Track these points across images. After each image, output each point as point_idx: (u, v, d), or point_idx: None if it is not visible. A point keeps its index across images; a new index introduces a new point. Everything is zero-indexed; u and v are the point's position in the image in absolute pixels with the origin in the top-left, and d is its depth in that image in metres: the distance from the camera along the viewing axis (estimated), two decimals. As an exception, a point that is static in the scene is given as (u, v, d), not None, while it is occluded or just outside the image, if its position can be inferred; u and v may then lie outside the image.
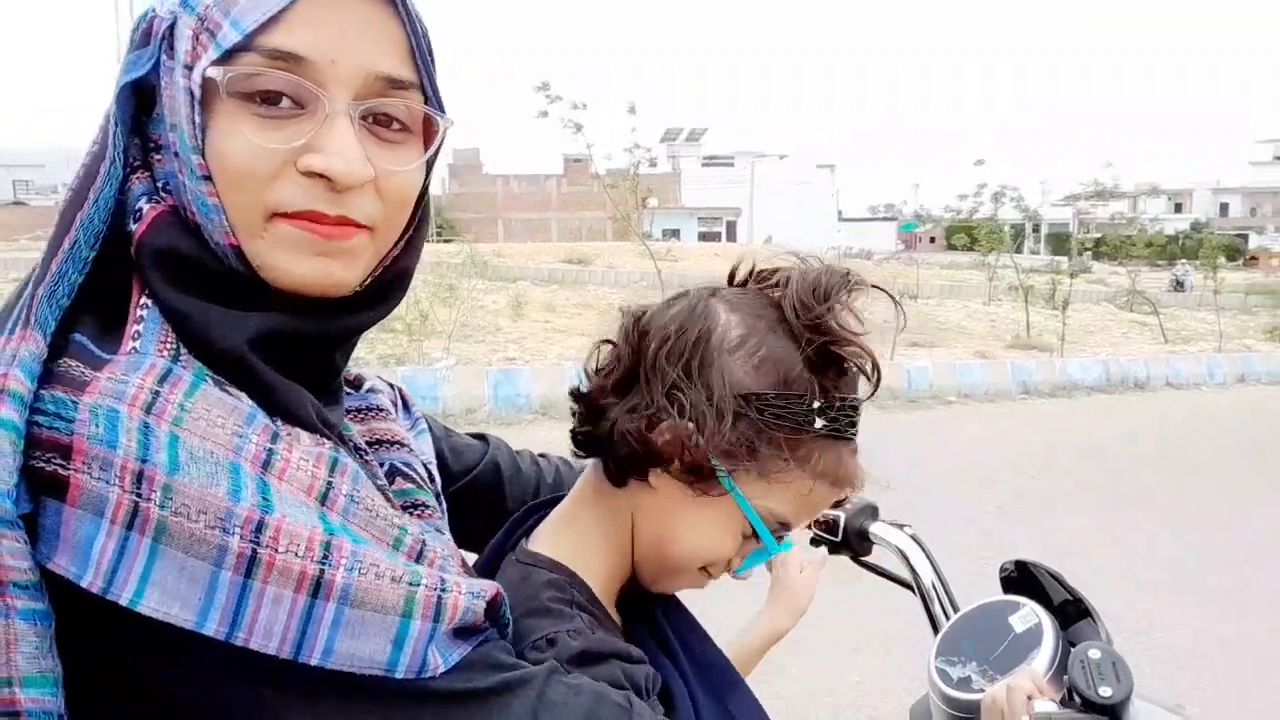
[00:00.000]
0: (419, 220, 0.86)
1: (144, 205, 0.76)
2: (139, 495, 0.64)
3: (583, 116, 13.25)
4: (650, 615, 1.02)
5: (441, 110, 0.82)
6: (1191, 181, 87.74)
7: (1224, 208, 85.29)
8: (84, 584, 0.64)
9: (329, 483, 0.73)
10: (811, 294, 0.92)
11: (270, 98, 0.73)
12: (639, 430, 0.88)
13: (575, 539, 0.97)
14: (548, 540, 0.98)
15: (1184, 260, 27.35)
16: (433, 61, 0.81)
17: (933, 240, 63.02)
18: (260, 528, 0.67)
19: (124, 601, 0.64)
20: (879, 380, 0.97)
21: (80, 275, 0.72)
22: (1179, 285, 26.97)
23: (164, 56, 0.75)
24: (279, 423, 0.74)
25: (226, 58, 0.72)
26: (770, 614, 1.39)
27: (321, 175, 0.74)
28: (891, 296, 1.04)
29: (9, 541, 0.62)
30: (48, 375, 0.67)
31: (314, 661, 0.67)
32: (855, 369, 0.94)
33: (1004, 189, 24.36)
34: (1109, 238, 27.72)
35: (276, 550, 0.67)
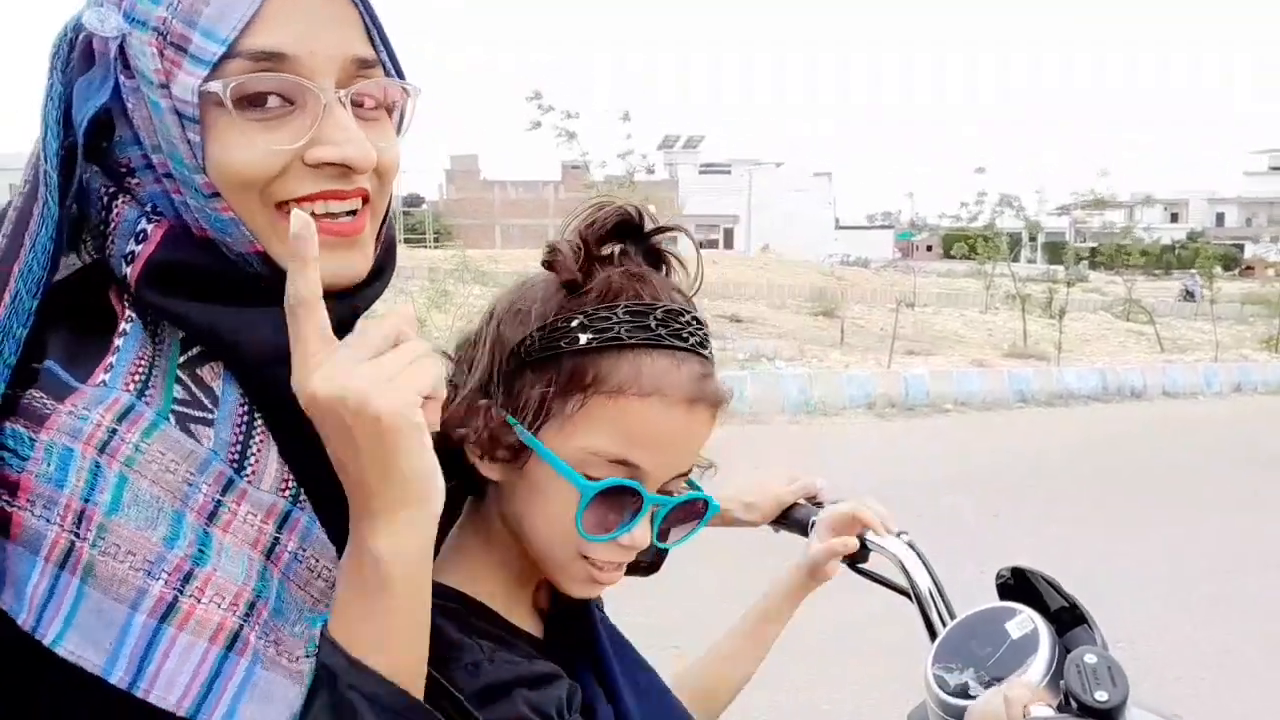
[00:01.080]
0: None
1: (146, 226, 0.75)
2: (76, 535, 0.64)
3: (576, 125, 13.18)
4: (583, 618, 1.00)
5: (403, 78, 0.83)
6: (1187, 191, 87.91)
7: (1220, 217, 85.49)
8: (19, 621, 0.64)
9: (275, 538, 0.72)
10: (581, 228, 0.91)
11: (257, 100, 0.73)
12: (449, 423, 0.84)
13: (461, 561, 0.94)
14: (438, 572, 0.91)
15: (1194, 270, 27.34)
16: (385, 35, 0.82)
17: (929, 249, 63.17)
18: (189, 578, 0.66)
19: (47, 642, 0.64)
20: (697, 276, 0.98)
21: (25, 328, 0.70)
22: (1189, 295, 26.95)
23: (122, 78, 0.73)
24: (238, 469, 0.72)
25: (215, 69, 0.71)
26: (793, 573, 1.41)
27: (330, 164, 0.74)
28: (690, 236, 0.99)
29: None
30: (12, 405, 0.67)
31: None
32: (632, 278, 0.90)
33: (1006, 198, 24.39)
34: (1104, 247, 27.75)
35: (199, 600, 0.66)
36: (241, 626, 0.67)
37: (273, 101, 0.73)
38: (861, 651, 4.40)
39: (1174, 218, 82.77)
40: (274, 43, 0.72)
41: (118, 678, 0.64)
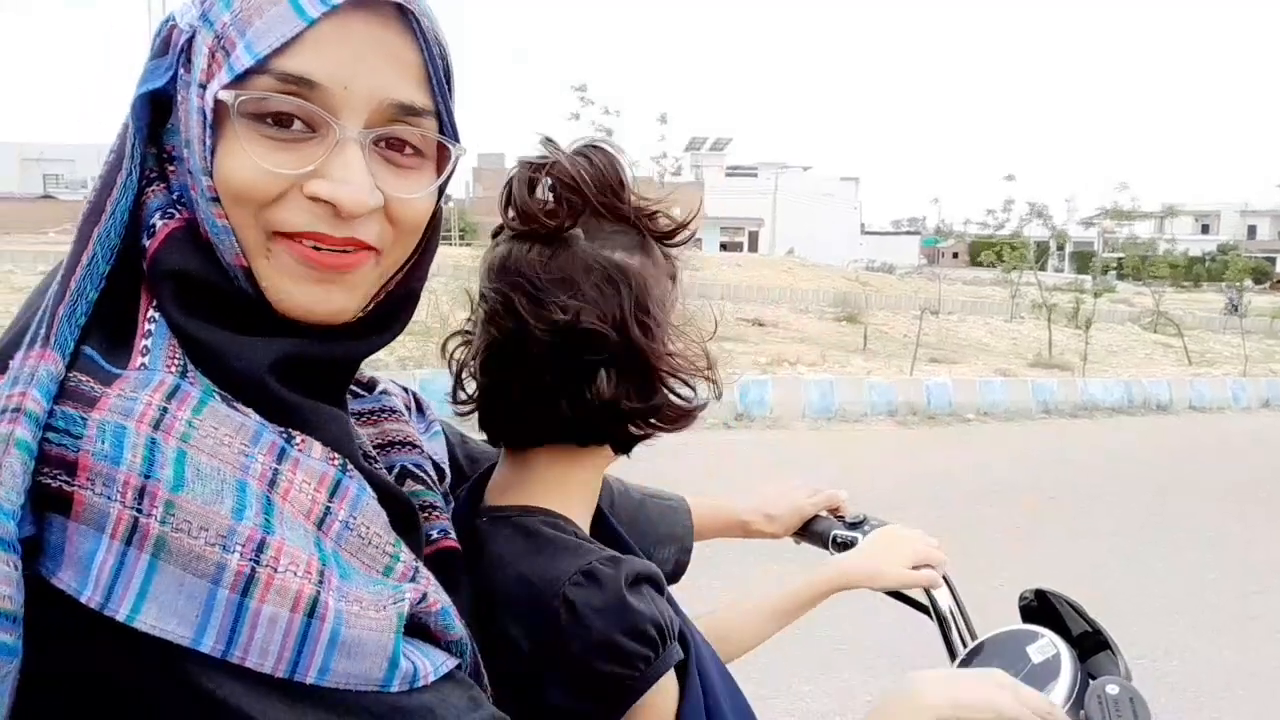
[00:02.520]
0: (427, 243, 0.85)
1: (157, 221, 0.76)
2: (139, 511, 0.64)
3: (614, 123, 13.20)
4: None
5: (455, 138, 0.82)
6: (1219, 203, 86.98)
7: (1252, 230, 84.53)
8: (83, 599, 0.63)
9: (327, 507, 0.73)
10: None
11: (282, 120, 0.73)
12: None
13: (549, 491, 0.99)
14: (551, 499, 1.00)
15: (1238, 284, 26.98)
16: (450, 86, 0.81)
17: (955, 256, 62.78)
18: (261, 547, 0.67)
19: (120, 617, 0.63)
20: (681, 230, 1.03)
21: (96, 292, 0.73)
22: (1234, 308, 26.58)
23: (181, 70, 0.75)
24: (287, 439, 0.74)
25: (239, 80, 0.72)
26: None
27: (327, 201, 0.74)
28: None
29: (1, 565, 0.62)
30: (61, 390, 0.68)
31: (309, 680, 0.68)
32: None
33: (1035, 206, 24.22)
34: (1130, 258, 27.49)
35: (275, 570, 0.67)
36: (318, 593, 0.69)
37: (297, 125, 0.74)
38: (878, 665, 4.38)
39: (1205, 229, 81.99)
40: (304, 68, 0.72)
41: (209, 647, 0.65)
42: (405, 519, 0.83)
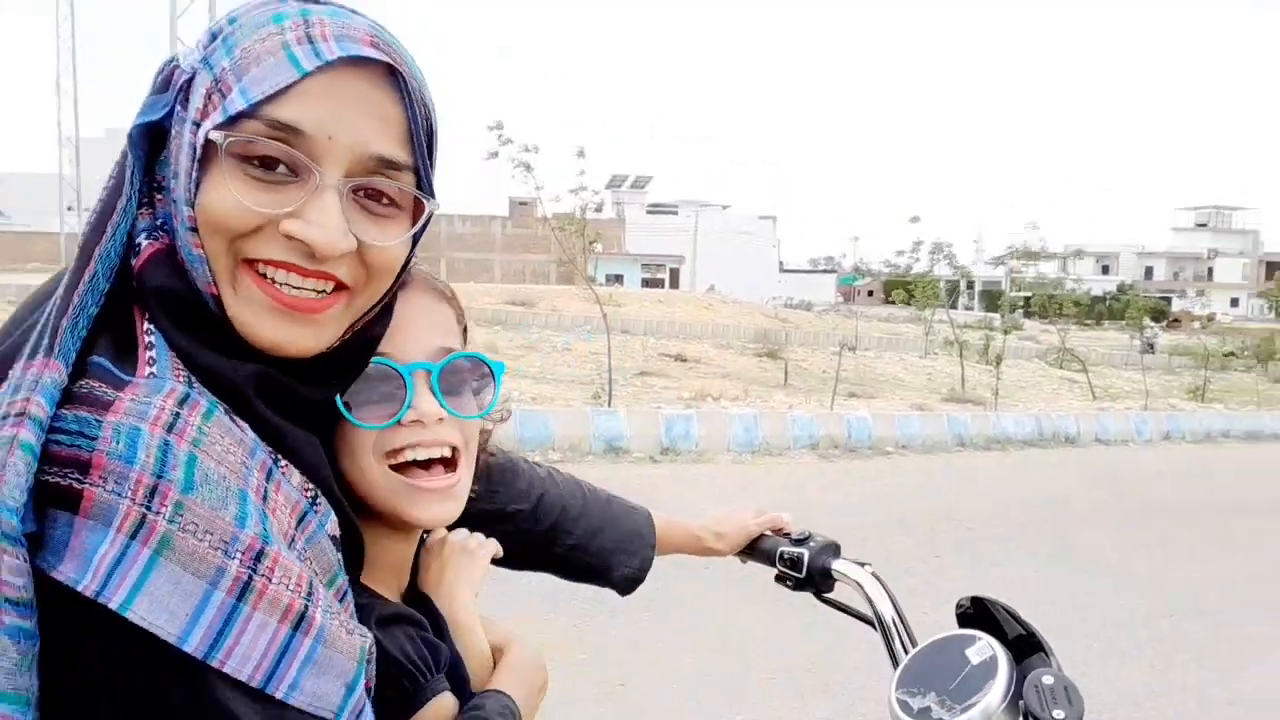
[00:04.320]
0: (392, 290, 0.90)
1: (143, 241, 0.80)
2: (148, 508, 0.67)
3: (532, 159, 13.20)
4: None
5: (431, 194, 0.86)
6: (1118, 245, 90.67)
7: (1149, 270, 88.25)
8: (80, 588, 0.66)
9: (293, 536, 0.77)
10: None
11: (267, 162, 0.77)
12: None
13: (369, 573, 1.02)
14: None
15: (1153, 324, 28.12)
16: (431, 145, 0.85)
17: (870, 294, 64.20)
18: (260, 556, 0.71)
19: (114, 605, 0.66)
20: None
21: (96, 307, 0.76)
22: (1150, 347, 27.59)
23: (178, 107, 0.79)
24: (274, 460, 0.78)
25: (230, 122, 0.76)
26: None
27: (301, 240, 0.78)
28: None
29: (9, 558, 0.65)
30: (69, 396, 0.70)
31: (279, 694, 0.71)
32: None
33: (939, 246, 24.99)
34: (1037, 296, 28.50)
35: (270, 580, 0.71)
36: (307, 607, 0.73)
37: (281, 169, 0.77)
38: (819, 687, 4.44)
39: (1105, 269, 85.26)
40: (292, 117, 0.76)
41: (192, 647, 0.68)
42: (357, 551, 0.89)
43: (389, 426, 0.94)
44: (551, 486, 1.40)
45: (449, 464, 0.99)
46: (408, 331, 0.96)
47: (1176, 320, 54.21)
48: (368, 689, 0.79)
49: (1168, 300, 66.90)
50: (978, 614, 1.32)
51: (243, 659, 0.69)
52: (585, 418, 11.03)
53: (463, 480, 1.00)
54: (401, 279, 0.90)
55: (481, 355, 1.02)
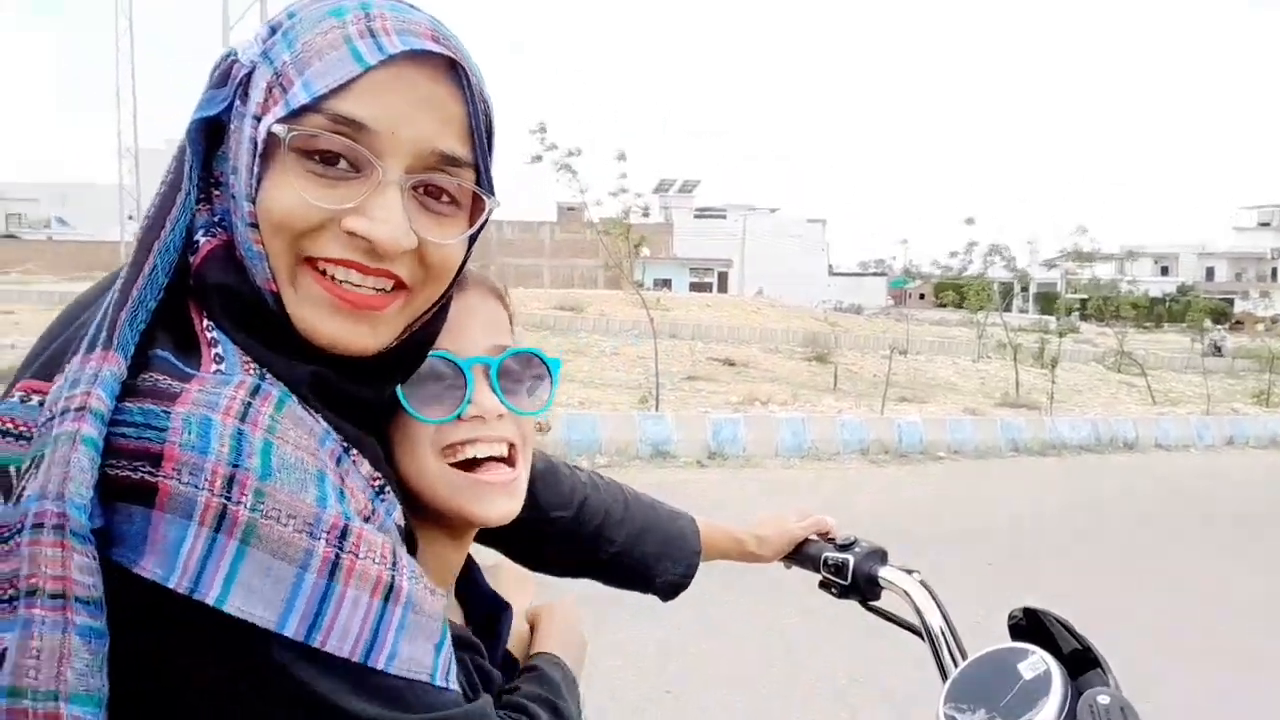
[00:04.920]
0: (450, 289, 0.89)
1: (200, 238, 0.79)
2: (228, 498, 0.67)
3: (577, 163, 13.20)
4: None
5: (491, 191, 0.85)
6: (1178, 245, 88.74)
7: (1210, 271, 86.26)
8: (170, 585, 0.66)
9: (368, 515, 0.77)
10: None
11: (329, 158, 0.76)
12: None
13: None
14: None
15: (1220, 326, 27.50)
16: (490, 142, 0.84)
17: (922, 296, 63.58)
18: (345, 534, 0.71)
19: (210, 601, 0.66)
20: None
21: (155, 301, 0.75)
22: (1217, 350, 26.97)
23: (237, 101, 0.79)
24: (345, 450, 0.78)
25: (293, 116, 0.75)
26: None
27: (363, 237, 0.77)
28: None
29: (80, 556, 0.64)
30: (132, 390, 0.70)
31: (380, 665, 0.72)
32: None
33: (995, 248, 24.63)
34: (1093, 299, 27.99)
35: (357, 556, 0.72)
36: (394, 577, 0.74)
37: (342, 164, 0.77)
38: (864, 696, 4.37)
39: (1164, 271, 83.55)
40: (356, 111, 0.75)
41: (292, 631, 0.68)
42: (409, 552, 0.87)
43: (449, 421, 0.93)
44: (593, 491, 1.37)
45: (507, 462, 0.97)
46: (464, 328, 0.95)
47: (1239, 322, 52.94)
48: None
49: (1230, 301, 65.40)
50: (1030, 626, 1.27)
51: (341, 636, 0.70)
52: (632, 422, 11.03)
53: (521, 477, 0.99)
54: (458, 279, 0.89)
55: (538, 351, 1.01)
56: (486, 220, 0.86)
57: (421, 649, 0.75)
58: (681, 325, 23.94)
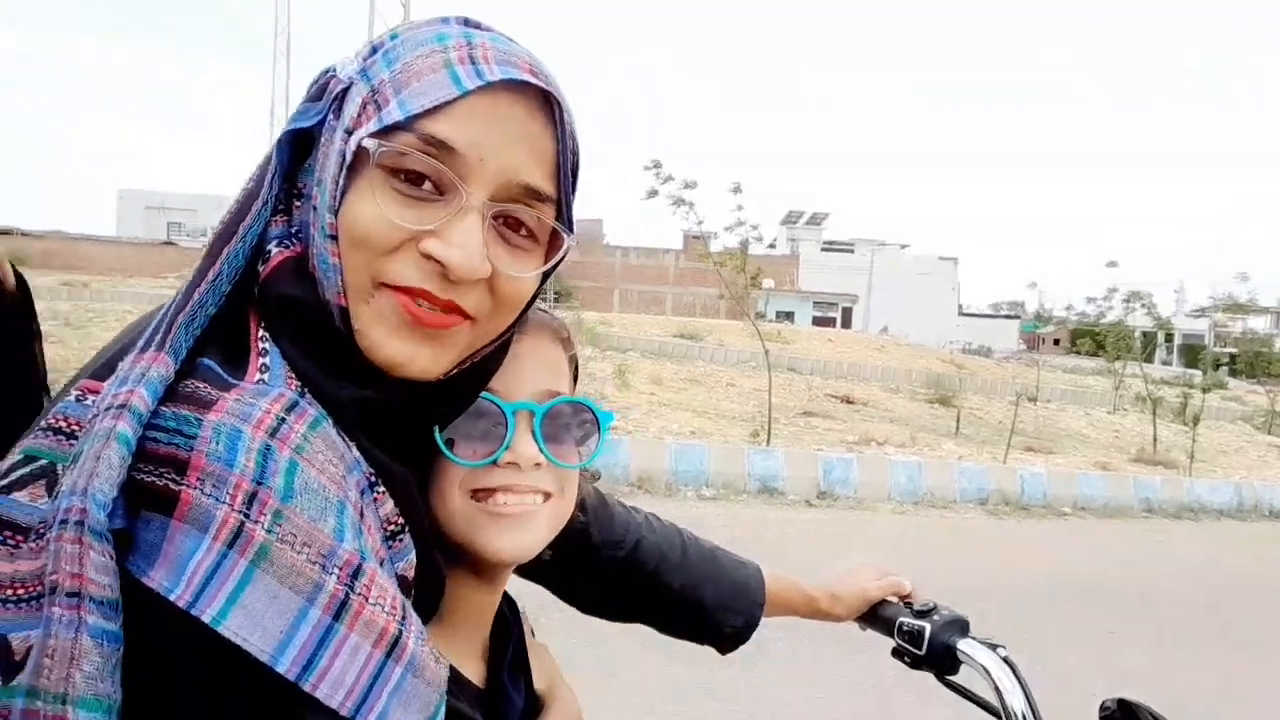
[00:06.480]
0: (515, 324, 0.87)
1: (273, 248, 0.79)
2: (246, 515, 0.65)
3: (694, 195, 13.25)
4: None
5: (570, 229, 0.84)
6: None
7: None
8: (173, 598, 0.64)
9: (383, 557, 0.75)
10: None
11: (414, 178, 0.76)
12: None
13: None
14: None
15: None
16: (574, 180, 0.83)
17: (1057, 342, 61.20)
18: (358, 573, 0.68)
19: (206, 619, 0.64)
20: None
21: (215, 308, 0.75)
22: None
23: (331, 115, 0.79)
24: (370, 484, 0.75)
25: (384, 132, 0.75)
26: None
27: (439, 261, 0.75)
28: None
29: (96, 554, 0.63)
30: (171, 394, 0.69)
31: None
32: None
33: (1136, 294, 23.48)
34: (1244, 353, 26.35)
35: (367, 600, 0.69)
36: (400, 631, 0.70)
37: (427, 185, 0.76)
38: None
39: (1326, 328, 78.23)
40: (447, 134, 0.75)
41: (285, 668, 0.65)
42: (435, 595, 0.84)
43: (484, 465, 0.89)
44: (649, 533, 1.31)
45: None
46: (516, 369, 0.91)
47: None
48: None
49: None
50: (1124, 719, 1.15)
51: (335, 684, 0.67)
52: (742, 455, 10.87)
53: (539, 513, 0.93)
54: (522, 317, 0.87)
55: (589, 402, 0.96)
56: (564, 257, 0.85)
57: (413, 716, 0.71)
58: (801, 359, 23.65)
